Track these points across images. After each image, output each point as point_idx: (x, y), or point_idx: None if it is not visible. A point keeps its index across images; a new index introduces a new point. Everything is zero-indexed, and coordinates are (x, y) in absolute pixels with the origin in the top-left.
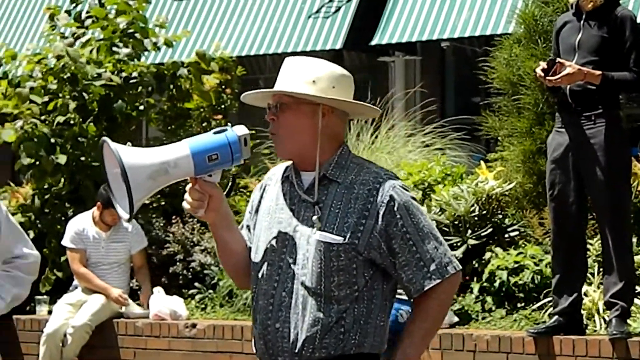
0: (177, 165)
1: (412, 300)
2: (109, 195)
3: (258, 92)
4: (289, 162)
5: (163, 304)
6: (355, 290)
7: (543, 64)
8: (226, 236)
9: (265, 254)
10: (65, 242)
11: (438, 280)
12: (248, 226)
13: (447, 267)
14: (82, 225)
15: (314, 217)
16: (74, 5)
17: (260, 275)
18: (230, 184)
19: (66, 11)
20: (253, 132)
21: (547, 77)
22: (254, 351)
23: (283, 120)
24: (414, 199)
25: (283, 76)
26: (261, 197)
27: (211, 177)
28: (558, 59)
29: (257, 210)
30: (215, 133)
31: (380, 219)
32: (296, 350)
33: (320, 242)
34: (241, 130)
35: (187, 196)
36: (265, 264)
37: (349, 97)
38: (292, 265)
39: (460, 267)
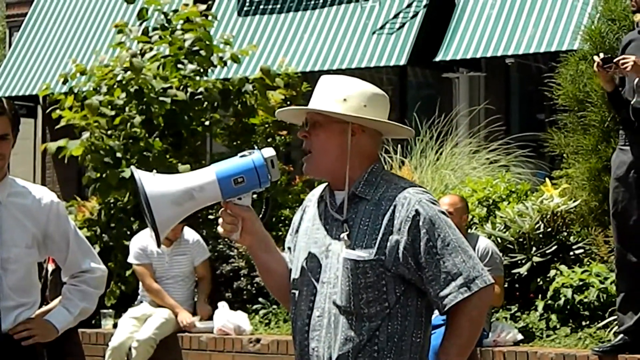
0: (203, 189)
1: (443, 315)
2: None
3: (289, 109)
4: (326, 183)
5: (227, 318)
6: (386, 307)
7: (598, 58)
8: (265, 258)
9: (302, 274)
10: (131, 259)
11: (466, 295)
12: (289, 248)
13: (476, 280)
14: (144, 241)
15: (342, 235)
16: (140, 21)
17: (297, 296)
18: (264, 207)
19: (133, 26)
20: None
21: (604, 66)
22: None
23: (315, 138)
24: (442, 212)
25: (316, 94)
26: (301, 218)
27: (241, 200)
28: (615, 59)
29: (297, 231)
30: (241, 156)
31: (406, 234)
32: None
33: (347, 259)
34: (268, 152)
35: (220, 220)
36: (302, 284)
37: (382, 116)
38: (325, 285)
39: (492, 281)
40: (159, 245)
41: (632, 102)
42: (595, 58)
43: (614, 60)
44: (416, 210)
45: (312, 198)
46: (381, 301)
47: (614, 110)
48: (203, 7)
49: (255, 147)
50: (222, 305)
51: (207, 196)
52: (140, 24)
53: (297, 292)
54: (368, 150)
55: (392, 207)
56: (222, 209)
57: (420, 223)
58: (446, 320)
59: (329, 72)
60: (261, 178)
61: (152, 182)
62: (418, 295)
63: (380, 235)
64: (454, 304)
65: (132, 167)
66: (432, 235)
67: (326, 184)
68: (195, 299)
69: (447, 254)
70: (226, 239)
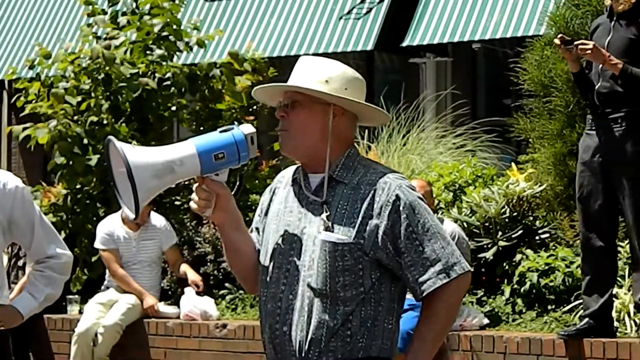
0: (183, 163)
1: (419, 301)
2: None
3: (270, 86)
4: (297, 165)
5: (194, 304)
6: (361, 292)
7: (558, 40)
8: (235, 237)
9: (274, 257)
10: (97, 244)
11: (445, 281)
12: (257, 228)
13: (454, 267)
14: (111, 226)
15: (323, 215)
16: (110, 4)
17: (268, 279)
18: (238, 183)
19: (102, 11)
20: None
21: (565, 46)
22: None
23: (294, 117)
24: (420, 198)
25: (296, 74)
26: (270, 199)
27: (218, 177)
28: (576, 42)
29: (266, 213)
30: (221, 132)
31: (386, 219)
32: (303, 354)
33: (325, 242)
34: (248, 128)
35: (194, 195)
36: (273, 267)
37: (361, 100)
38: (299, 268)
39: (469, 268)
40: (136, 218)
41: (596, 87)
42: (556, 41)
43: (575, 43)
44: (396, 195)
45: (282, 179)
46: (357, 285)
47: (579, 92)
48: None
49: (235, 123)
50: (189, 291)
51: (186, 170)
52: (109, 7)
53: (267, 275)
54: (346, 133)
55: (371, 192)
56: (197, 184)
57: (401, 208)
58: (422, 306)
59: (296, 57)
60: (241, 154)
61: (134, 153)
62: (392, 282)
63: (359, 219)
64: (432, 290)
65: (112, 137)
66: (412, 220)
67: (297, 166)
68: (162, 285)
69: (426, 240)
70: (191, 225)
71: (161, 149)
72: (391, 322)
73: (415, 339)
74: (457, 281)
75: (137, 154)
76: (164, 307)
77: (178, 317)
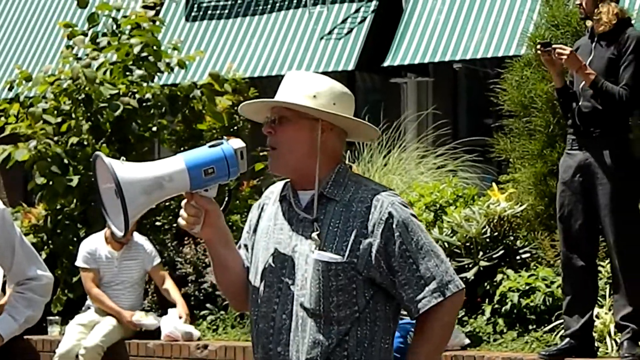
0: (172, 179)
1: (414, 320)
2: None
3: (257, 102)
4: (286, 181)
5: (175, 325)
6: (355, 311)
7: (539, 46)
8: (223, 253)
9: (264, 275)
10: (78, 262)
11: (440, 299)
12: (246, 245)
13: (449, 285)
14: (94, 245)
15: (313, 234)
16: (90, 26)
17: (259, 298)
18: (227, 199)
19: (82, 33)
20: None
21: (544, 49)
22: None
23: (282, 133)
24: (414, 216)
25: (284, 89)
26: (259, 216)
27: (207, 192)
28: (554, 45)
29: (255, 230)
30: (210, 146)
31: (379, 237)
32: None
33: (318, 261)
34: (237, 143)
35: (182, 212)
36: (265, 286)
37: (350, 115)
38: (291, 287)
39: (463, 286)
40: (124, 235)
41: (576, 106)
42: (538, 46)
43: (553, 46)
44: (389, 213)
45: (270, 196)
46: (351, 305)
47: (561, 108)
48: (151, 13)
49: (224, 138)
50: (172, 313)
51: (175, 186)
52: (89, 29)
53: (258, 294)
54: (335, 149)
55: (364, 209)
56: (185, 200)
57: (394, 226)
58: (416, 325)
59: (277, 77)
60: (231, 169)
61: (123, 169)
62: (386, 301)
63: (352, 237)
64: (427, 309)
65: (100, 153)
66: (405, 238)
67: (286, 181)
68: (143, 307)
69: (420, 258)
70: (172, 245)
71: (150, 165)
72: (387, 341)
73: (410, 358)
74: (451, 299)
75: (126, 170)
76: (142, 318)
77: (158, 329)
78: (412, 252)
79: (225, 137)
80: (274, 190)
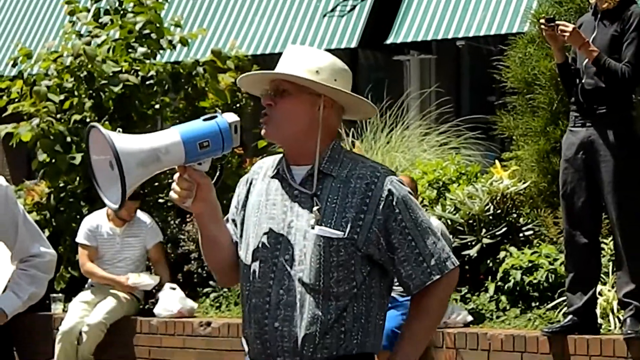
0: (168, 151)
1: (410, 296)
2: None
3: (261, 73)
4: (277, 157)
5: (178, 301)
6: (353, 287)
7: (542, 22)
8: (213, 229)
9: (257, 251)
10: (79, 238)
11: (438, 276)
12: (234, 220)
13: (446, 262)
14: (96, 222)
15: (314, 208)
16: (93, 2)
17: (252, 274)
18: (218, 173)
19: (84, 8)
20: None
21: (547, 25)
22: (246, 351)
23: (282, 105)
24: (410, 193)
25: (285, 62)
26: (248, 191)
27: (201, 166)
28: (557, 21)
29: (244, 206)
30: (205, 120)
31: (379, 214)
32: (296, 350)
33: (319, 237)
34: (231, 117)
35: (175, 185)
36: (258, 261)
37: (349, 91)
38: (288, 262)
39: (458, 263)
40: (120, 208)
41: (580, 83)
42: (541, 21)
43: (556, 22)
44: (389, 190)
45: (259, 171)
46: (349, 280)
47: (562, 84)
48: None
49: (218, 111)
50: (173, 288)
51: (171, 159)
52: (92, 4)
53: (251, 269)
54: (333, 125)
55: (364, 186)
56: (178, 173)
57: (394, 203)
58: (413, 301)
59: (279, 54)
60: (225, 143)
61: (121, 140)
62: (381, 277)
63: (353, 213)
64: (425, 286)
65: (96, 124)
66: (405, 215)
67: (278, 157)
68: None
69: (419, 235)
70: (175, 223)
71: (146, 137)
72: (382, 317)
73: (406, 334)
74: (448, 276)
75: (124, 141)
76: (137, 279)
77: (155, 288)
78: (411, 230)
79: (219, 110)
80: (263, 166)
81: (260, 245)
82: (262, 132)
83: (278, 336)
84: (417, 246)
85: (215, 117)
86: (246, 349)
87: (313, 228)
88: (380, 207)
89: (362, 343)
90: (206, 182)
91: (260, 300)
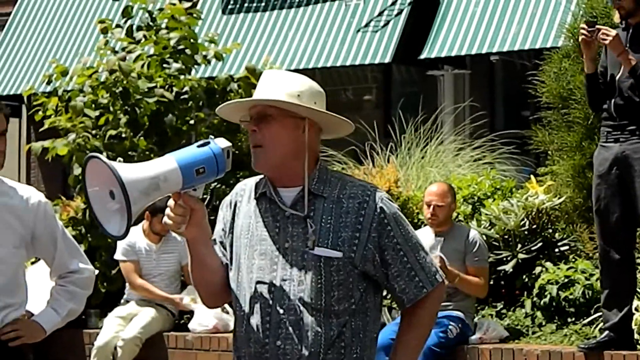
0: (167, 179)
1: (402, 310)
2: (156, 203)
3: (253, 101)
4: (257, 178)
5: (214, 316)
6: (352, 304)
7: (584, 25)
8: (204, 252)
9: (251, 272)
10: (118, 255)
11: (429, 289)
12: (222, 242)
13: (435, 275)
14: (133, 238)
15: (310, 230)
16: (125, 19)
17: (249, 295)
18: (209, 198)
19: (117, 25)
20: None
21: (588, 29)
22: None
23: (268, 131)
24: (399, 209)
25: (266, 88)
26: (234, 213)
27: (195, 192)
28: (598, 26)
29: (231, 228)
30: (199, 146)
31: (373, 231)
32: None
33: (319, 257)
34: (224, 142)
35: (169, 212)
36: (254, 282)
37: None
38: (286, 282)
39: (444, 276)
40: (123, 237)
41: (614, 98)
42: (582, 25)
43: (597, 27)
44: (380, 208)
45: (242, 193)
46: (348, 298)
47: (586, 95)
48: (188, 4)
49: (211, 137)
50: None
51: (169, 186)
52: (125, 22)
53: (246, 290)
54: (316, 147)
55: (356, 205)
56: (171, 200)
57: (386, 220)
58: (404, 315)
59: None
60: (219, 168)
61: (124, 169)
62: (375, 292)
63: (349, 232)
64: (418, 299)
65: (96, 154)
66: (396, 232)
67: (258, 178)
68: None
69: (410, 250)
70: None
71: (144, 166)
72: (376, 331)
73: (400, 346)
74: (437, 289)
75: (127, 170)
76: (188, 302)
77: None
78: (402, 245)
79: (211, 137)
80: (245, 188)
81: (254, 267)
82: (252, 163)
83: (280, 354)
84: (409, 261)
85: (209, 142)
86: None
87: (312, 249)
88: (374, 224)
89: (360, 357)
90: (201, 207)
91: (258, 320)
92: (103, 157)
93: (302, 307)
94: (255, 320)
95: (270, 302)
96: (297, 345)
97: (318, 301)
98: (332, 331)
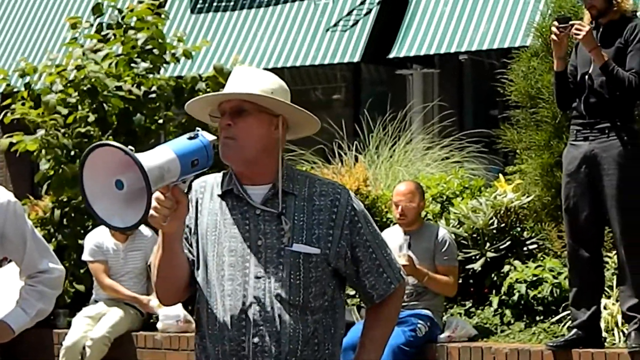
0: (169, 170)
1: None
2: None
3: (236, 94)
4: (218, 175)
5: (182, 312)
6: (325, 300)
7: (556, 23)
8: (178, 248)
9: (222, 269)
10: (85, 256)
11: (396, 285)
12: (187, 239)
13: (400, 272)
14: (100, 238)
15: (286, 227)
16: (95, 16)
17: (219, 293)
18: (186, 190)
19: (87, 22)
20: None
21: (560, 25)
22: None
23: (243, 125)
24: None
25: (239, 83)
26: (197, 210)
27: (184, 184)
28: (572, 22)
29: (195, 226)
30: (189, 138)
31: (345, 228)
32: None
33: (299, 253)
34: (210, 135)
35: (157, 205)
36: (225, 280)
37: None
38: (262, 279)
39: (406, 274)
40: (137, 227)
41: (583, 96)
42: (554, 23)
43: (571, 22)
44: (352, 206)
45: (202, 190)
46: (322, 294)
47: (555, 93)
48: (156, 3)
49: (198, 130)
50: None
51: (170, 177)
52: (95, 19)
53: (215, 289)
54: (283, 144)
55: (328, 203)
56: (159, 194)
57: (357, 218)
58: (370, 312)
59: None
60: (209, 160)
61: (141, 157)
62: (342, 290)
63: (323, 230)
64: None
65: (110, 141)
66: (366, 229)
67: (219, 175)
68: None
69: (377, 248)
70: None
71: (147, 155)
72: (343, 327)
73: (368, 342)
74: (401, 285)
75: (143, 158)
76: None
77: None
78: (371, 242)
79: (198, 129)
80: (205, 185)
81: (224, 264)
82: (223, 154)
83: (258, 352)
84: (377, 258)
85: (198, 135)
86: None
87: (290, 246)
88: (346, 222)
89: (332, 353)
90: (185, 200)
91: (232, 317)
92: (117, 144)
93: (279, 304)
94: (227, 317)
95: (245, 299)
96: (275, 342)
97: (296, 297)
98: (309, 328)
